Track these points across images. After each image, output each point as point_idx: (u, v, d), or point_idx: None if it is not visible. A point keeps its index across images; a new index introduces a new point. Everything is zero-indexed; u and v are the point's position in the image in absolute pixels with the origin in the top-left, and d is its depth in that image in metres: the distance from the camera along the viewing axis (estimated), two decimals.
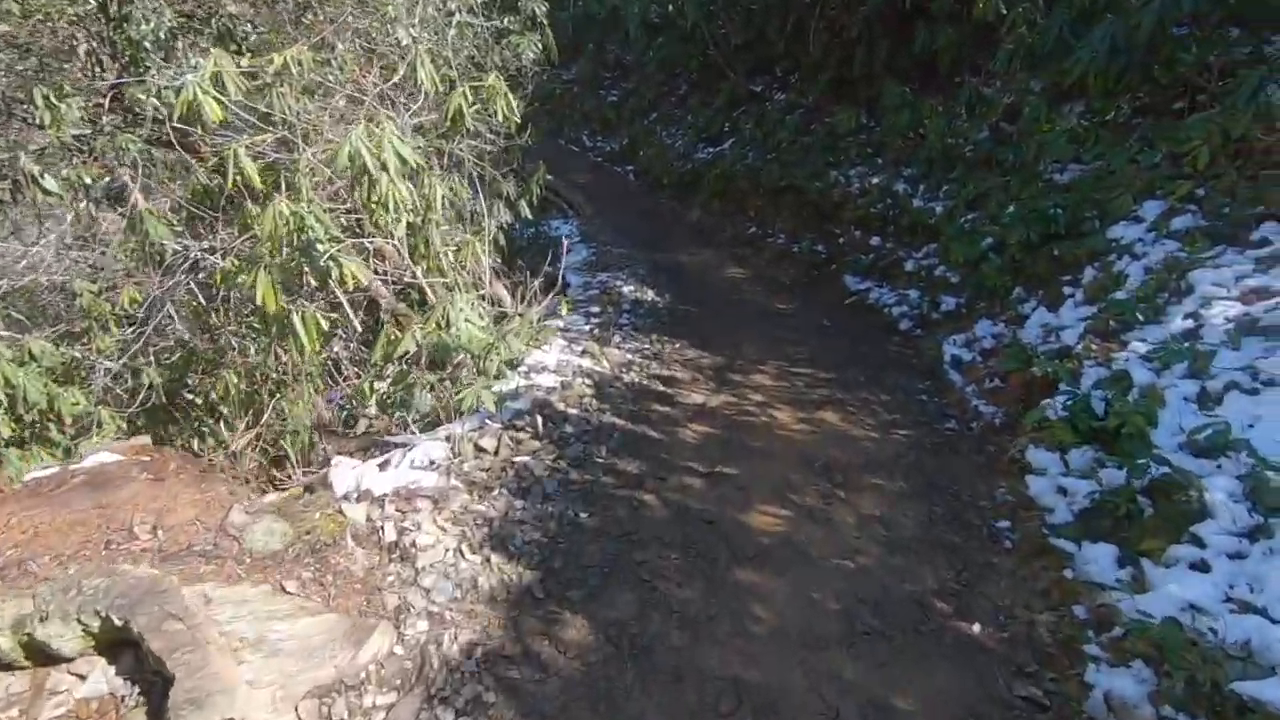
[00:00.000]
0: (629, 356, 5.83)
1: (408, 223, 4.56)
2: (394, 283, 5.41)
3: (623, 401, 4.77)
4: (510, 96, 5.16)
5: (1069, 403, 3.61)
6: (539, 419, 3.99)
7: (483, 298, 5.44)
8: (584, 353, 5.69)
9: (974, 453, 4.31)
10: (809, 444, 4.38)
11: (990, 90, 7.65)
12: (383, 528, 2.86)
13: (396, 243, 4.90)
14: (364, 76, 5.47)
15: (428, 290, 4.70)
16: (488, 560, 2.81)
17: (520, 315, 5.38)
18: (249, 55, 5.03)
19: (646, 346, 6.13)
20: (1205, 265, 4.08)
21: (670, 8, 12.41)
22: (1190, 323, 3.80)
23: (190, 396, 5.67)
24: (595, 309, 7.03)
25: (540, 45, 7.33)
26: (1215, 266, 4.01)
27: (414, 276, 5.03)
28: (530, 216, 7.30)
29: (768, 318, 7.15)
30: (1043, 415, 3.74)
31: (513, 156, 8.20)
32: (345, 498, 3.04)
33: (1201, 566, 2.45)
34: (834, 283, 8.04)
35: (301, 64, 4.68)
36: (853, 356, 6.12)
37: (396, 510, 2.98)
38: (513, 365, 5.04)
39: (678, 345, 6.26)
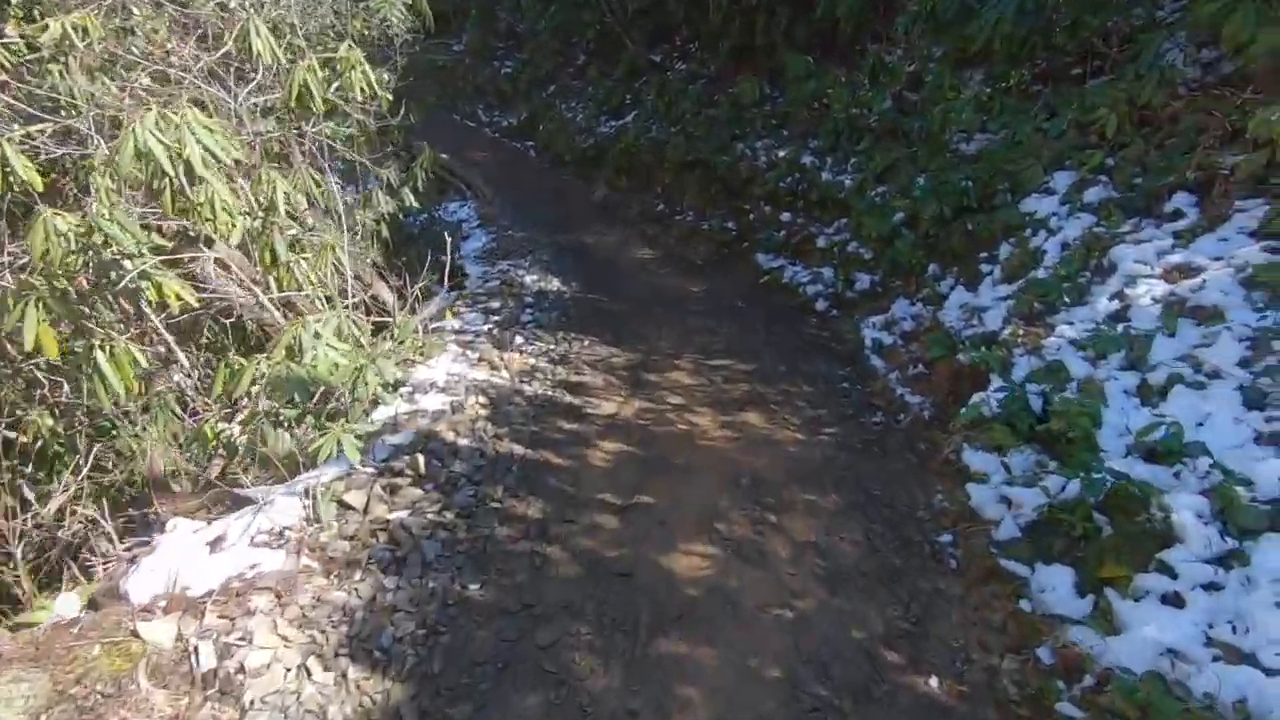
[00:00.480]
0: (532, 361, 5.24)
1: (245, 229, 3.75)
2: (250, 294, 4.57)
3: (524, 421, 4.19)
4: (369, 69, 4.39)
5: (1004, 399, 3.35)
6: (420, 459, 3.36)
7: (352, 307, 4.68)
8: (480, 361, 5.04)
9: (905, 451, 4.03)
10: (733, 454, 3.98)
11: (892, 58, 7.41)
12: (197, 650, 2.16)
13: (233, 252, 4.08)
14: (182, 47, 4.51)
15: (272, 310, 3.92)
16: (343, 677, 2.18)
17: (399, 327, 4.66)
18: (14, 23, 4.00)
19: (552, 347, 5.55)
20: (1125, 241, 3.91)
21: None
22: (1117, 304, 3.62)
23: (13, 436, 4.64)
24: (495, 304, 6.36)
25: (408, 11, 6.44)
26: (1135, 242, 3.84)
27: (265, 290, 4.22)
28: (417, 204, 6.52)
29: (680, 302, 6.72)
30: (977, 413, 3.46)
31: (392, 138, 7.31)
32: (146, 610, 2.29)
33: (1175, 600, 2.19)
34: (746, 261, 7.68)
35: (89, 33, 3.75)
36: (770, 342, 5.78)
37: (220, 618, 2.28)
38: (394, 387, 4.35)
39: (586, 342, 5.72)
